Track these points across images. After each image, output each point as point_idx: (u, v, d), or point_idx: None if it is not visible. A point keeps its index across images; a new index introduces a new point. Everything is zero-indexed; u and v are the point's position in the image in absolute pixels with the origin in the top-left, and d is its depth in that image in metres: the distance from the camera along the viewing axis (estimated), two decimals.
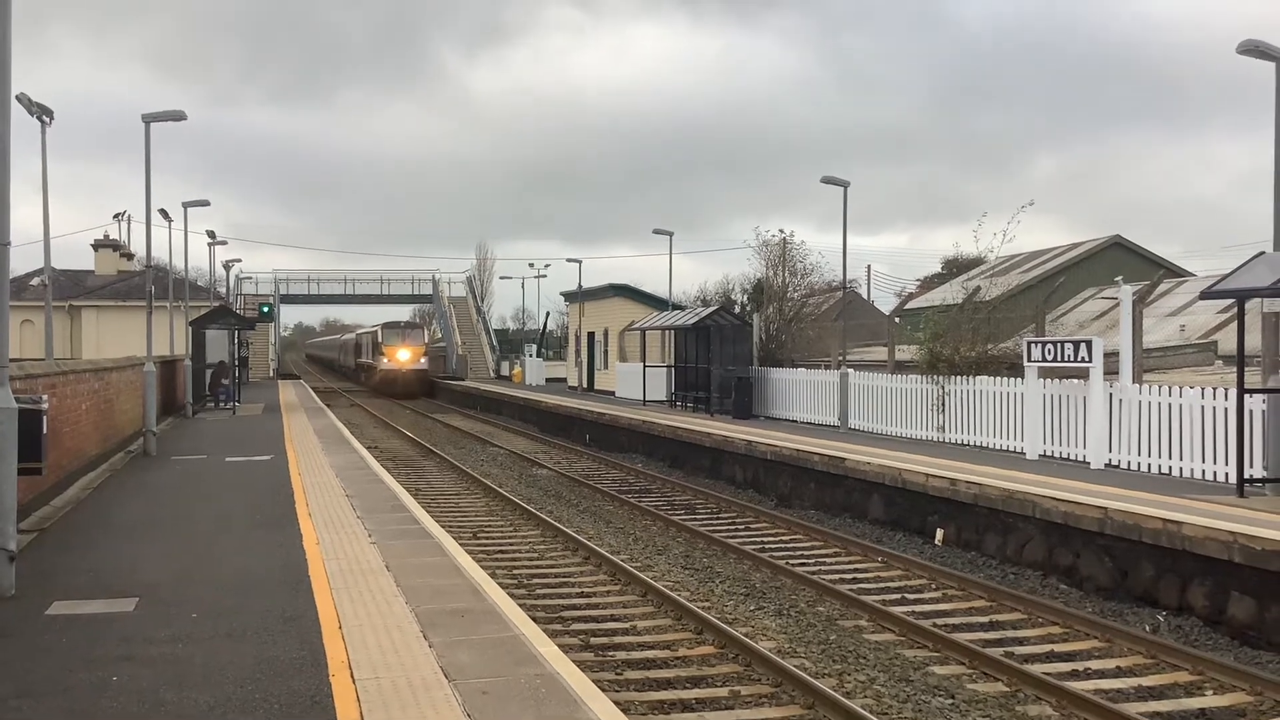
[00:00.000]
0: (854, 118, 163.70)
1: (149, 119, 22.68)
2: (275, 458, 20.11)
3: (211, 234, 46.68)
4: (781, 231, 36.79)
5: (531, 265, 77.77)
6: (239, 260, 61.24)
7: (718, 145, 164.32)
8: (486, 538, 16.80)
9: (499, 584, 10.22)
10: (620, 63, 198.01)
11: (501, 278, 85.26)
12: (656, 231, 39.93)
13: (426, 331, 67.51)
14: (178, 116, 23.10)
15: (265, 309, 55.58)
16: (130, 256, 59.37)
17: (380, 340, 62.06)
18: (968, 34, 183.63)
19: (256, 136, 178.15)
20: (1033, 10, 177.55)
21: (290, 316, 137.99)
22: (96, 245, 57.68)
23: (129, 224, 60.52)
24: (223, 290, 58.14)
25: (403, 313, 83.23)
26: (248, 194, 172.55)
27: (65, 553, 11.17)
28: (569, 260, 53.01)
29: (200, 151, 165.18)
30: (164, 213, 35.84)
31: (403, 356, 60.79)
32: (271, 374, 67.30)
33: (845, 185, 26.43)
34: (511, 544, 16.41)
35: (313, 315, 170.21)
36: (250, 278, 73.68)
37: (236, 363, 38.75)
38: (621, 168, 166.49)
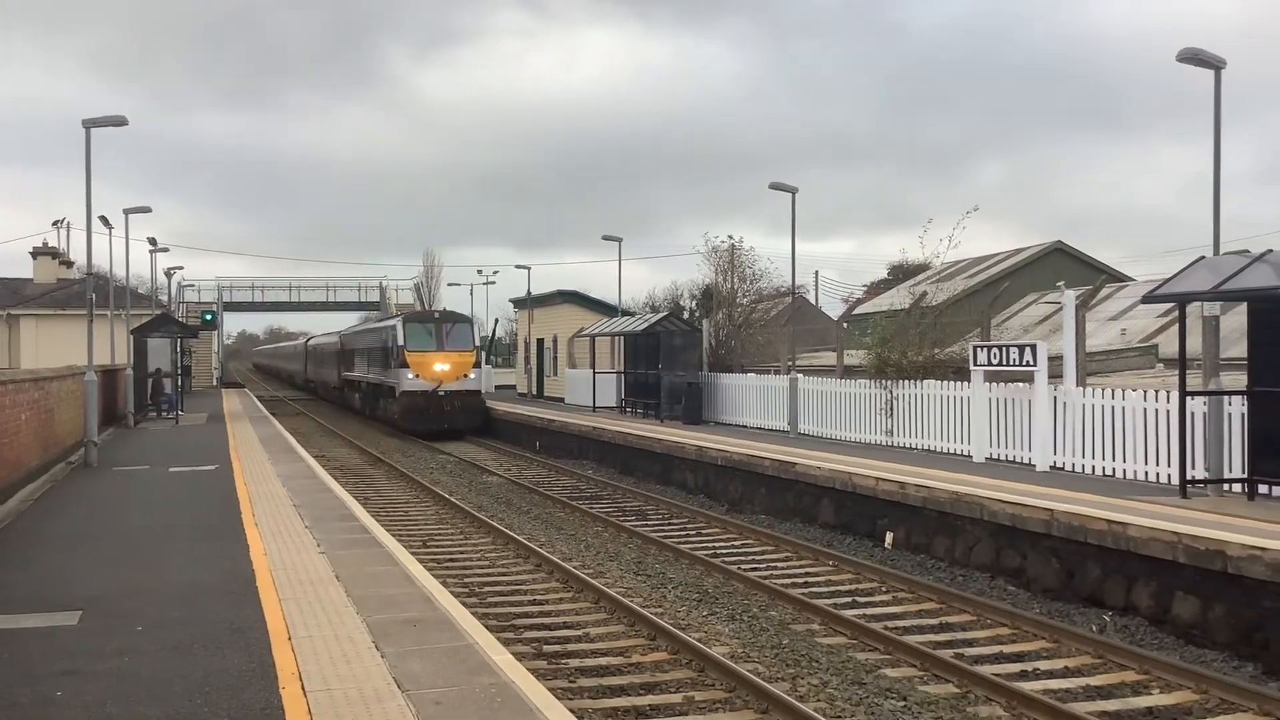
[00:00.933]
0: (804, 124, 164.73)
1: (89, 124, 22.31)
2: (220, 467, 19.84)
3: (153, 241, 46.05)
4: (731, 238, 36.95)
5: (480, 272, 76.68)
6: (181, 267, 60.53)
7: (668, 151, 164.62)
8: (437, 546, 16.68)
9: (450, 593, 10.15)
10: (571, 67, 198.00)
11: (450, 285, 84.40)
12: (606, 238, 39.86)
13: (476, 330, 41.79)
14: (119, 122, 22.74)
15: (208, 316, 54.89)
16: (70, 264, 58.36)
17: (401, 341, 38.03)
18: (916, 41, 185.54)
19: (201, 142, 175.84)
20: (980, 18, 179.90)
21: (234, 324, 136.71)
22: (35, 253, 56.55)
23: (69, 231, 59.56)
24: (164, 298, 57.34)
25: (348, 320, 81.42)
26: (192, 200, 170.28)
27: (5, 566, 10.94)
28: (518, 267, 52.73)
29: (143, 157, 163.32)
30: (104, 220, 35.32)
31: (440, 369, 37.36)
32: (215, 383, 66.38)
33: (793, 191, 26.58)
34: (462, 552, 16.31)
35: (257, 323, 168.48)
36: (193, 285, 72.83)
37: (180, 371, 38.20)
38: (572, 173, 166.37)
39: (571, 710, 7.11)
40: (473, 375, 38.12)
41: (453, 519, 19.58)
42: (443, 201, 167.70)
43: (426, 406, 37.15)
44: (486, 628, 8.86)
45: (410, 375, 37.30)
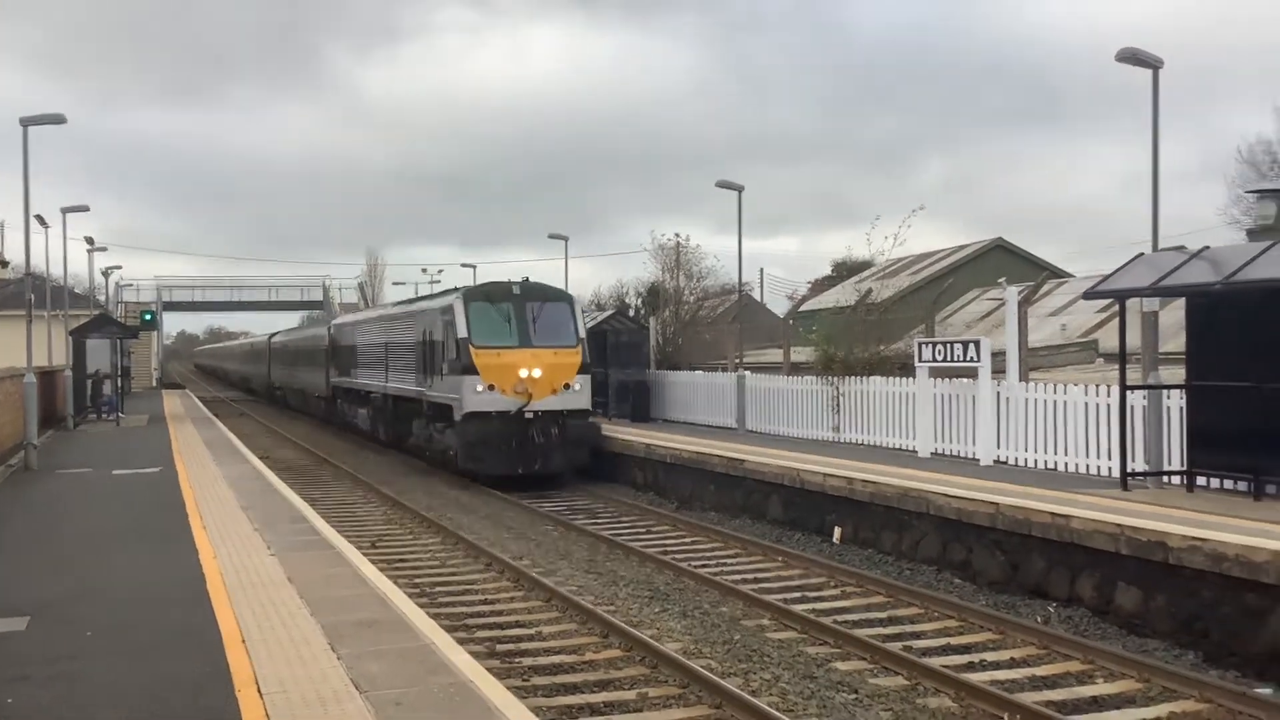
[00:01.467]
0: (750, 121, 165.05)
1: (27, 122, 21.92)
2: (164, 470, 19.61)
3: (90, 240, 45.39)
4: (677, 235, 37.03)
5: (424, 270, 76.17)
6: (119, 267, 59.54)
7: (615, 148, 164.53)
8: (387, 547, 16.60)
9: (404, 593, 10.13)
10: (516, 64, 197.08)
11: (395, 284, 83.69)
12: (552, 236, 39.71)
13: (579, 313, 25.68)
14: (57, 120, 22.36)
15: (147, 316, 54.13)
16: (5, 264, 57.34)
17: (463, 331, 23.90)
18: (861, 39, 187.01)
19: (140, 138, 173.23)
20: (924, 17, 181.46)
21: (173, 324, 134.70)
22: None
23: (2, 230, 58.44)
24: (102, 298, 56.46)
25: (289, 320, 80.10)
26: (131, 198, 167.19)
27: None
28: (464, 265, 52.59)
29: (80, 154, 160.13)
30: (40, 219, 34.71)
31: (529, 375, 23.49)
32: (155, 384, 65.44)
33: (740, 189, 26.71)
34: (412, 552, 16.25)
35: (197, 323, 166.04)
36: (131, 284, 71.66)
37: (119, 373, 37.67)
38: (517, 170, 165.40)
39: (527, 708, 7.14)
40: (577, 385, 23.78)
41: (402, 519, 19.51)
42: (386, 199, 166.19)
43: (505, 437, 22.97)
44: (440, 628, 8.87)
45: (478, 387, 23.10)
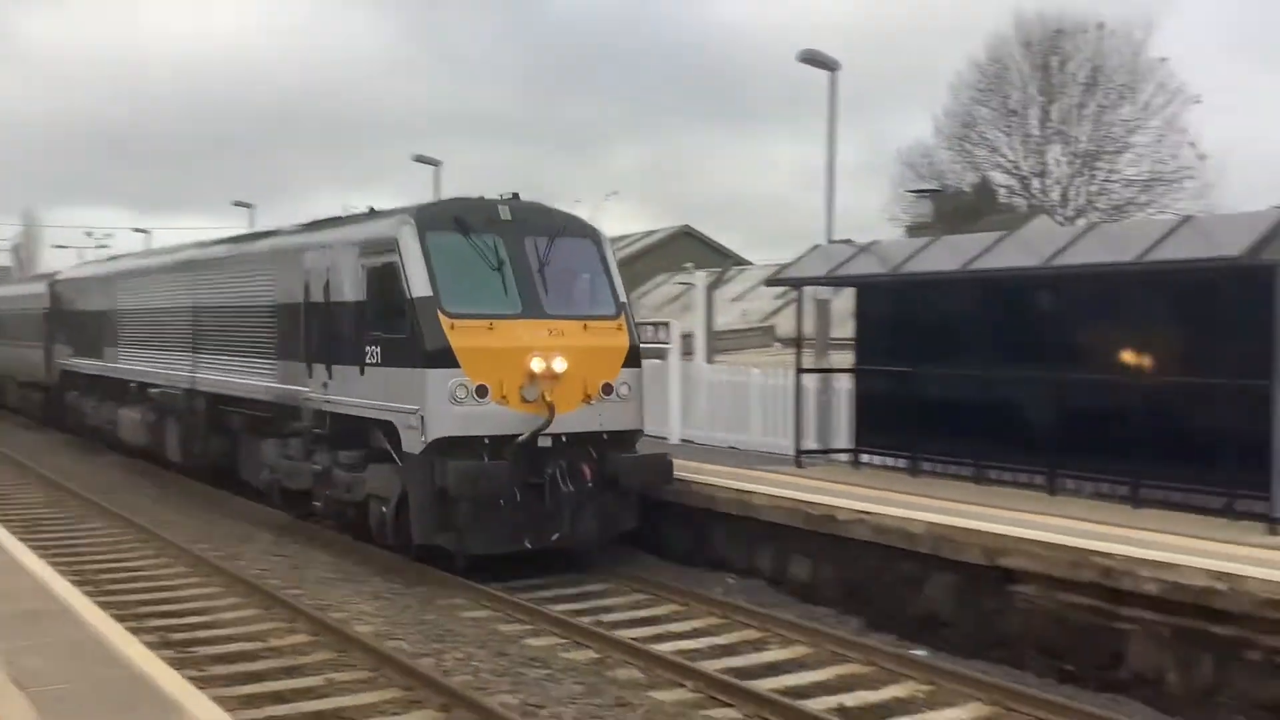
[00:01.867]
0: (449, 96, 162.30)
1: None
2: None
3: None
4: (371, 207, 36.11)
5: (90, 234, 70.67)
6: None
7: (304, 115, 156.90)
8: (46, 532, 15.38)
9: (68, 581, 9.44)
10: (198, 19, 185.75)
11: (56, 247, 77.21)
12: (236, 203, 37.92)
13: (613, 259, 14.27)
14: None
15: None
16: None
17: (424, 287, 12.46)
18: (559, 23, 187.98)
19: None
20: (618, 5, 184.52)
21: None
22: None
23: None
24: None
25: None
26: None
27: None
28: (136, 230, 49.18)
29: None
30: None
31: (547, 368, 12.43)
32: None
33: (437, 165, 26.44)
34: (74, 538, 15.16)
35: None
36: None
37: None
38: (196, 133, 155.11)
39: (207, 698, 6.82)
40: (625, 387, 13.33)
41: (64, 502, 18.13)
42: (46, 156, 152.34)
43: (506, 483, 12.13)
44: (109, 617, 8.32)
45: (458, 389, 12.31)
